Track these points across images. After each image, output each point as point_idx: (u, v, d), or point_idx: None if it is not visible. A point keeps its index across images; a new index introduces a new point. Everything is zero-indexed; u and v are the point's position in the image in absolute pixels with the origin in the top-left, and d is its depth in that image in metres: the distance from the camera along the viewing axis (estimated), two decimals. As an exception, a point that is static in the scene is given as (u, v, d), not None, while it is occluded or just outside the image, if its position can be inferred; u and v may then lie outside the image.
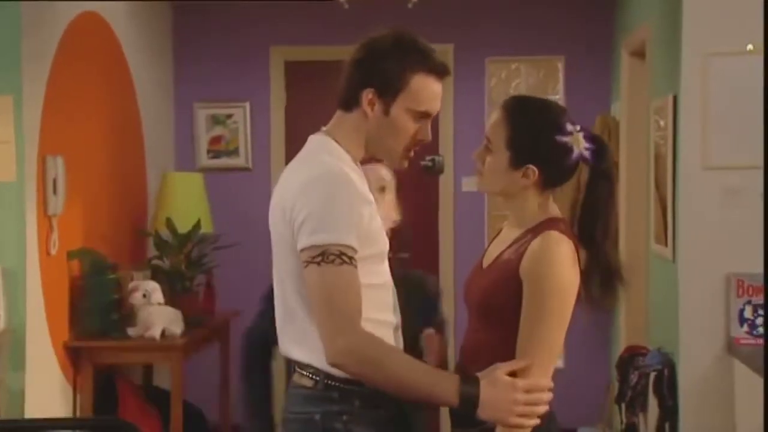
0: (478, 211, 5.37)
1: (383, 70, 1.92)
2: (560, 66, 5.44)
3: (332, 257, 1.81)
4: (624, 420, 3.91)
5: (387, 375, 1.82)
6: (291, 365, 1.99)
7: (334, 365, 1.83)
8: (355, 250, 1.83)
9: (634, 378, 3.80)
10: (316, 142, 1.99)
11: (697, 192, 3.46)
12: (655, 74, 4.07)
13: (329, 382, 1.89)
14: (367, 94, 1.93)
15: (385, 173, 2.58)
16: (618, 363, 4.12)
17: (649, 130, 4.15)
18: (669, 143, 3.69)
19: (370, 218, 1.89)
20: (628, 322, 4.62)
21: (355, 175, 1.94)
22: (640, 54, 4.47)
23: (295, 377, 1.96)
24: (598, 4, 5.30)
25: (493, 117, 1.99)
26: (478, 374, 1.84)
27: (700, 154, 3.44)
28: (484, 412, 1.82)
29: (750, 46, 3.41)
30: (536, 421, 1.86)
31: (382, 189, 2.56)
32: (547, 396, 1.89)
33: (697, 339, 3.41)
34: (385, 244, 1.97)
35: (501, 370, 1.84)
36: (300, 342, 1.93)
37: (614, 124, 4.98)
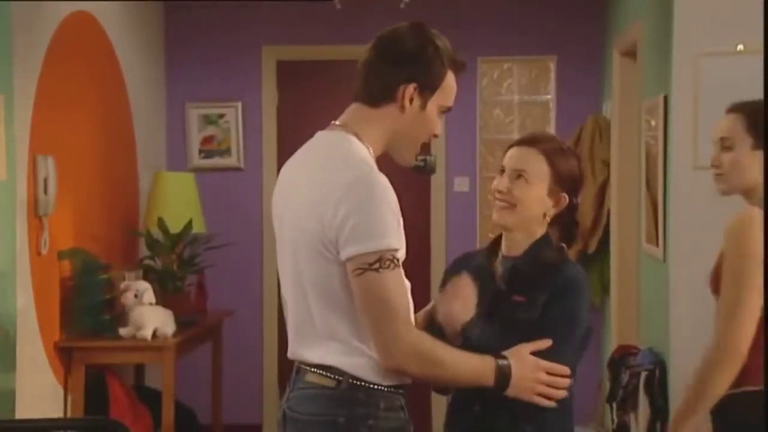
0: (470, 211, 5.38)
1: (428, 67, 1.94)
2: (552, 66, 5.45)
3: (388, 262, 1.82)
4: (615, 419, 3.92)
5: (445, 371, 1.89)
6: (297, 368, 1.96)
7: (397, 368, 1.86)
8: (399, 252, 1.86)
9: (625, 377, 3.81)
10: (341, 140, 1.93)
11: (688, 192, 3.47)
12: (646, 74, 4.08)
13: (355, 382, 1.87)
14: (408, 90, 1.93)
15: None
16: (609, 362, 4.13)
17: (640, 130, 4.16)
18: (660, 143, 3.70)
19: (401, 220, 1.90)
20: (620, 322, 4.63)
21: (377, 169, 1.92)
22: (631, 54, 4.48)
23: (310, 377, 1.91)
24: (589, 4, 5.31)
25: (729, 119, 2.33)
26: (505, 353, 1.95)
27: (691, 154, 3.44)
28: (510, 390, 1.94)
29: (740, 47, 3.42)
30: (552, 404, 1.98)
31: None
32: (565, 381, 2.01)
33: (687, 339, 3.42)
34: (404, 247, 1.95)
35: (526, 348, 1.97)
36: (321, 344, 1.89)
37: (605, 124, 4.99)
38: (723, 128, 2.41)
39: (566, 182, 2.15)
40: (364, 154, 1.91)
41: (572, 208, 2.18)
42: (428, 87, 1.94)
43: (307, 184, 1.90)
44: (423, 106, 1.95)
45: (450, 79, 1.99)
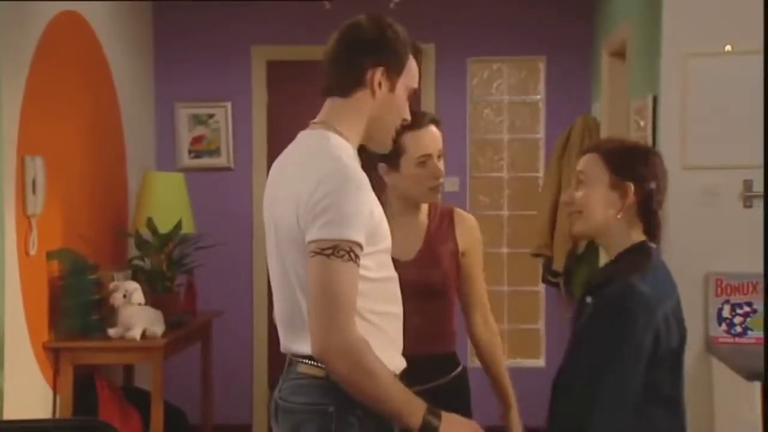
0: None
1: (392, 48, 1.98)
2: (541, 66, 5.46)
3: (342, 252, 1.82)
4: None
5: (374, 386, 1.84)
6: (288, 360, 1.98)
7: (320, 358, 1.83)
8: (361, 249, 1.85)
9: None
10: (319, 137, 1.97)
11: (677, 192, 3.46)
12: (634, 75, 4.10)
13: None
14: (376, 74, 1.97)
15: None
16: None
17: (629, 130, 4.17)
18: (649, 143, 3.71)
19: (379, 215, 1.92)
20: (609, 321, 4.64)
21: (357, 166, 1.95)
22: (620, 54, 4.49)
23: (301, 368, 1.94)
24: (578, 4, 5.32)
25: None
26: (442, 413, 1.90)
27: (680, 153, 3.46)
28: None
29: (728, 47, 3.44)
30: None
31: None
32: None
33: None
34: (390, 239, 1.99)
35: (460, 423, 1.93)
36: (309, 336, 1.90)
37: (595, 125, 5.00)
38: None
39: (627, 171, 2.04)
40: (342, 149, 1.95)
41: (646, 195, 2.06)
42: (394, 69, 1.99)
43: (286, 181, 1.95)
44: (392, 89, 2.00)
45: (412, 61, 2.03)
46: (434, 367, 2.51)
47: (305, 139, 2.01)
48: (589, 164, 2.09)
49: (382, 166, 2.49)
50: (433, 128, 2.49)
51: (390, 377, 1.87)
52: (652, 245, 2.09)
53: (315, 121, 2.02)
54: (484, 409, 2.61)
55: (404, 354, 2.36)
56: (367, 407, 1.89)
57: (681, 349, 2.05)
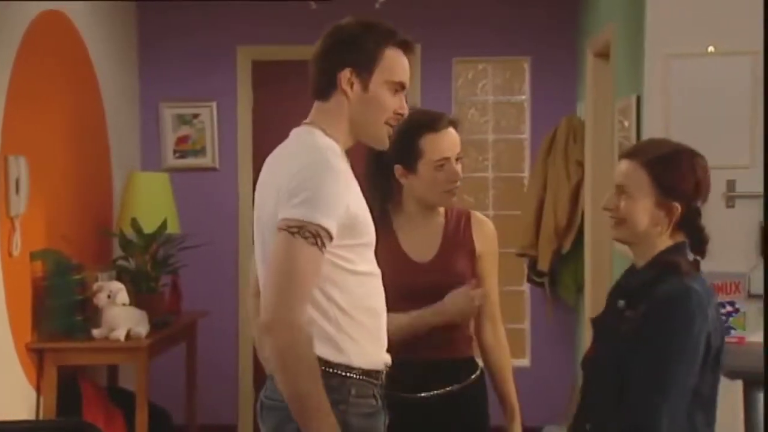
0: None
1: (357, 47, 1.97)
2: (526, 67, 5.47)
3: (308, 234, 1.83)
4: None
5: (296, 375, 1.82)
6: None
7: (266, 327, 1.82)
8: (330, 239, 1.86)
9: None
10: (305, 133, 2.00)
11: (660, 192, 3.50)
12: (618, 75, 4.12)
13: (327, 369, 1.89)
14: (345, 76, 1.97)
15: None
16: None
17: (614, 130, 4.19)
18: (633, 143, 3.73)
19: (359, 211, 1.93)
20: (593, 321, 4.66)
21: (344, 165, 1.96)
22: (604, 55, 4.51)
23: None
24: (563, 5, 5.34)
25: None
26: None
27: (663, 154, 3.47)
28: None
29: (711, 48, 3.46)
30: None
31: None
32: None
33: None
34: (374, 233, 2.00)
35: None
36: None
37: (580, 125, 5.02)
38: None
39: (675, 191, 2.03)
40: (325, 143, 1.96)
41: (692, 214, 2.06)
42: (364, 68, 1.98)
43: (272, 177, 1.98)
44: (365, 88, 1.98)
45: (391, 55, 2.00)
46: (450, 372, 2.47)
47: (293, 136, 2.04)
48: (632, 177, 2.05)
49: (398, 168, 2.45)
50: (451, 131, 2.45)
51: (317, 380, 1.84)
52: (695, 257, 2.08)
53: (306, 121, 2.05)
54: (492, 410, 2.59)
55: (420, 357, 2.36)
56: (348, 404, 1.90)
57: (721, 350, 2.05)
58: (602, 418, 2.02)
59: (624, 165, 2.08)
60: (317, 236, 1.83)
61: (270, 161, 2.04)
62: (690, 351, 1.95)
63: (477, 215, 2.59)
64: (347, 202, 1.89)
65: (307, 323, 1.85)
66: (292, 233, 1.83)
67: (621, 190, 2.07)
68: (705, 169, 2.08)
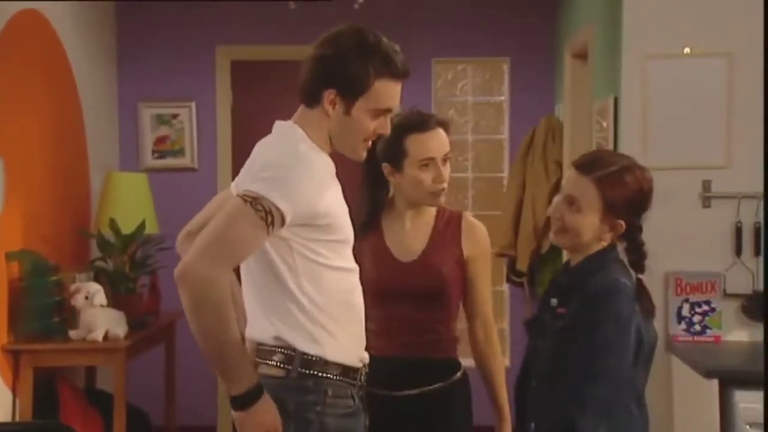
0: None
1: (346, 73, 1.93)
2: (505, 67, 5.49)
3: (259, 207, 1.82)
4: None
5: (215, 330, 1.80)
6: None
7: (181, 271, 1.80)
8: (282, 223, 1.85)
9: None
10: (288, 128, 2.00)
11: (637, 192, 3.52)
12: (596, 76, 4.14)
13: (303, 371, 1.91)
14: (329, 95, 1.95)
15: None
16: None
17: (592, 131, 4.21)
18: (611, 144, 3.75)
19: (330, 206, 1.93)
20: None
21: (321, 161, 1.96)
22: (582, 56, 4.53)
23: (261, 369, 1.94)
24: (542, 6, 5.36)
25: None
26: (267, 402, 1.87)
27: (640, 154, 3.47)
28: (237, 416, 1.89)
29: (687, 50, 3.49)
30: None
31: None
32: None
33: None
34: (350, 232, 2.00)
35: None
36: (271, 322, 1.93)
37: (558, 125, 5.04)
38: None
39: (621, 209, 2.08)
40: (306, 142, 1.96)
41: (633, 230, 2.12)
42: (348, 93, 1.95)
43: (249, 160, 1.99)
44: (347, 112, 1.96)
45: (381, 86, 1.96)
46: (429, 372, 2.46)
47: (276, 128, 2.04)
48: (583, 191, 2.08)
49: (385, 166, 2.45)
50: (440, 132, 2.43)
51: (236, 336, 1.84)
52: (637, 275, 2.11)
53: (291, 121, 2.05)
54: (484, 409, 2.60)
55: (397, 355, 2.36)
56: (325, 405, 1.91)
57: (654, 348, 2.11)
58: (543, 414, 2.07)
59: (575, 177, 2.10)
60: (269, 213, 1.83)
61: (256, 147, 2.05)
62: (620, 340, 1.98)
63: (468, 218, 2.57)
64: (314, 195, 1.88)
65: (226, 283, 1.82)
66: (245, 201, 1.83)
67: (570, 200, 2.10)
68: (650, 182, 2.13)
